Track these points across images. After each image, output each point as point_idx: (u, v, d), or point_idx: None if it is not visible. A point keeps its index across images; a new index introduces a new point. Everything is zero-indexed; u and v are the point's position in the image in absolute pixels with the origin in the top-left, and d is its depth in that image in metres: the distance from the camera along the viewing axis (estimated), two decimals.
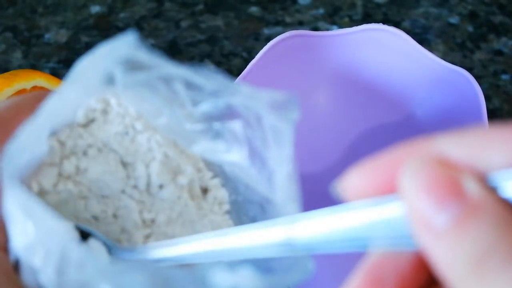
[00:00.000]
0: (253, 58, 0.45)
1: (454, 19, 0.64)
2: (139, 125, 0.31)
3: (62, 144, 0.31)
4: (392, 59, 0.47)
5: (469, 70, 0.44)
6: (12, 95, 0.49)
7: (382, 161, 0.19)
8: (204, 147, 0.31)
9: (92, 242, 0.29)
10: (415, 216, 0.17)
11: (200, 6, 0.64)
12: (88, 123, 0.31)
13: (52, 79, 0.51)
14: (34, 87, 0.50)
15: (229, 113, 0.31)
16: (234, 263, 0.27)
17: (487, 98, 0.56)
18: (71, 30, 0.62)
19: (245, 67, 0.44)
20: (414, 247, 0.18)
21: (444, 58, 0.45)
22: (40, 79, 0.51)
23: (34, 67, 0.60)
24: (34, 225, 0.26)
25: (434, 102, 0.46)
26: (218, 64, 0.60)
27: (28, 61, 0.60)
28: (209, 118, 0.31)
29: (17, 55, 0.61)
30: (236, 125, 0.31)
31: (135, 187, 0.31)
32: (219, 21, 0.63)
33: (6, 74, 0.51)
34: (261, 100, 0.30)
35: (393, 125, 0.49)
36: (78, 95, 0.29)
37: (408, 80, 0.47)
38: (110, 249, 0.29)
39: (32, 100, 0.29)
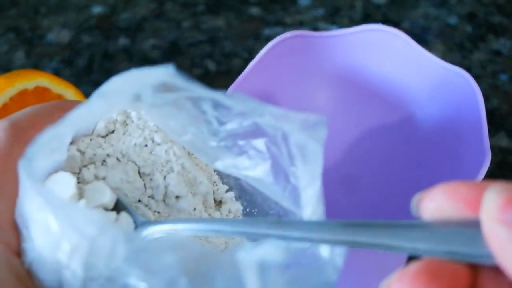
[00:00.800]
0: (253, 58, 0.45)
1: (453, 20, 0.64)
2: (158, 138, 0.32)
3: (82, 153, 0.31)
4: (392, 59, 0.47)
5: (468, 70, 0.44)
6: (14, 95, 0.50)
7: (464, 186, 0.23)
8: (227, 164, 0.32)
9: (122, 215, 0.30)
10: (496, 219, 0.20)
11: (201, 7, 0.65)
12: (108, 134, 0.32)
13: (54, 79, 0.51)
14: (37, 87, 0.50)
15: (255, 131, 0.31)
16: (259, 240, 0.28)
17: (486, 98, 0.56)
18: (73, 30, 0.63)
19: (246, 67, 0.44)
20: (474, 259, 0.22)
21: (443, 58, 0.46)
22: (42, 79, 0.51)
23: (36, 67, 0.60)
24: (57, 221, 0.26)
25: (433, 102, 0.46)
26: (219, 64, 0.61)
27: (30, 61, 0.61)
28: (234, 136, 0.32)
29: (20, 55, 0.61)
30: (260, 142, 0.32)
31: (152, 197, 0.32)
32: (220, 22, 0.64)
33: (8, 74, 0.51)
34: (290, 121, 0.30)
35: (393, 125, 0.49)
36: (104, 110, 0.29)
37: (407, 80, 0.47)
38: (137, 225, 0.30)
39: (52, 110, 0.30)
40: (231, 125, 0.32)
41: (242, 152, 0.32)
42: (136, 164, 0.32)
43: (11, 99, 0.49)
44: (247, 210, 0.34)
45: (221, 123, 0.32)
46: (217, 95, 0.30)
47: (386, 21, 0.63)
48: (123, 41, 0.62)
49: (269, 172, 0.31)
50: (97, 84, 0.60)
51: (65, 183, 0.29)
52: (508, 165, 0.55)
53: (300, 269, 0.28)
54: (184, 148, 0.33)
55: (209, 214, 0.33)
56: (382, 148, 0.50)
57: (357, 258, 0.50)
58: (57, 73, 0.59)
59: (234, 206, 0.34)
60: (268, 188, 0.31)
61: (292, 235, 0.26)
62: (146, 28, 0.63)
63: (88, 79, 0.60)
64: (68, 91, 0.51)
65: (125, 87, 0.29)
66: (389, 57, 0.47)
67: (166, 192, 0.32)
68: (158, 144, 0.32)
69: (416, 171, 0.48)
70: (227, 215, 0.34)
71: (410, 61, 0.46)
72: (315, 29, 0.62)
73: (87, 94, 0.54)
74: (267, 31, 0.63)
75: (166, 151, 0.32)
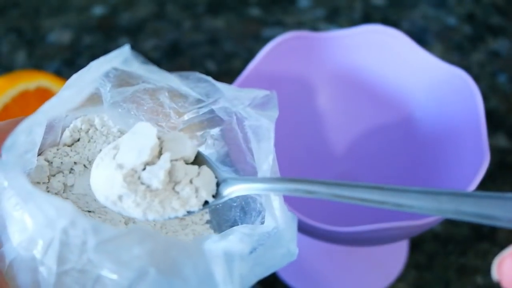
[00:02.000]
0: (253, 58, 0.45)
1: (452, 21, 0.64)
2: None
3: (49, 163, 0.32)
4: (391, 60, 0.47)
5: (467, 70, 0.44)
6: (16, 95, 0.50)
7: None
8: None
9: (203, 169, 0.30)
10: None
11: (201, 8, 0.65)
12: (73, 142, 0.33)
13: (55, 79, 0.51)
14: (38, 88, 0.50)
15: (211, 119, 0.33)
16: (225, 233, 0.29)
17: (485, 98, 0.56)
18: (74, 31, 0.63)
19: (246, 68, 0.45)
20: None
21: (442, 58, 0.46)
22: (43, 80, 0.51)
23: (37, 67, 0.60)
24: (32, 217, 0.26)
25: (432, 102, 0.47)
26: (219, 64, 0.61)
27: (31, 62, 0.61)
28: (192, 126, 0.33)
29: (21, 55, 0.61)
30: (216, 131, 0.33)
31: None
32: (219, 22, 0.64)
33: (9, 74, 0.52)
34: (242, 101, 0.31)
35: (392, 124, 0.49)
36: (71, 98, 0.30)
37: (406, 80, 0.47)
38: (219, 182, 0.30)
39: (12, 126, 0.30)
40: (188, 116, 0.33)
41: (200, 142, 0.34)
42: None
43: (13, 99, 0.49)
44: (212, 206, 0.34)
45: (179, 114, 0.33)
46: (172, 81, 0.31)
47: (385, 21, 0.63)
48: (123, 41, 0.62)
49: (227, 158, 0.33)
50: None
51: (146, 133, 0.29)
52: (507, 165, 0.56)
53: (262, 249, 0.29)
54: None
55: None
56: (380, 148, 0.50)
57: (358, 258, 0.51)
58: (58, 73, 0.59)
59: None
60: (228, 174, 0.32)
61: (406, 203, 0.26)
62: (147, 29, 0.63)
63: None
64: None
65: (86, 75, 0.30)
66: (388, 57, 0.47)
67: None
68: None
69: (415, 171, 0.48)
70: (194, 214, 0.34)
71: (409, 61, 0.47)
72: (315, 29, 0.63)
73: None
74: (267, 32, 0.63)
75: None
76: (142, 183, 0.28)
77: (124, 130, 0.33)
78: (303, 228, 0.39)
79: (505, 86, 0.60)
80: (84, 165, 0.33)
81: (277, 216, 0.30)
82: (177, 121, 0.33)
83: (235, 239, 0.28)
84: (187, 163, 0.30)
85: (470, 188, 0.39)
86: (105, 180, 0.28)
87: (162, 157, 0.29)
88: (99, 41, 0.62)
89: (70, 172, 0.32)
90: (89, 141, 0.33)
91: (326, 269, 0.50)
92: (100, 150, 0.33)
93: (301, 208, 0.40)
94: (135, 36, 0.63)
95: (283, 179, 0.29)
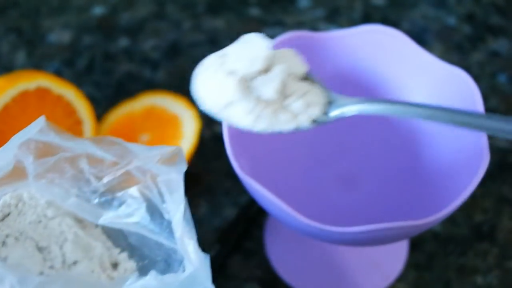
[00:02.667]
0: None
1: (452, 20, 0.64)
2: (50, 212, 0.35)
3: None
4: (391, 60, 0.47)
5: (467, 70, 0.44)
6: (16, 95, 0.50)
7: None
8: (110, 217, 0.35)
9: (313, 86, 0.31)
10: None
11: (201, 8, 0.65)
12: (4, 217, 0.35)
13: (55, 79, 0.51)
14: (38, 88, 0.50)
15: (128, 179, 0.35)
16: (144, 271, 0.31)
17: (485, 98, 0.56)
18: (74, 31, 0.63)
19: None
20: None
21: (442, 58, 0.46)
22: (43, 80, 0.51)
23: (37, 67, 0.60)
24: None
25: (432, 102, 0.47)
26: None
27: (31, 62, 0.61)
28: (112, 188, 0.35)
29: (21, 55, 0.61)
30: (134, 190, 0.35)
31: (52, 267, 0.34)
32: (219, 22, 0.64)
33: (9, 74, 0.52)
34: (153, 159, 0.34)
35: (391, 124, 0.49)
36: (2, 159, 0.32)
37: (406, 80, 0.47)
38: (329, 99, 0.31)
39: None
40: (107, 178, 0.35)
41: (121, 202, 0.35)
42: (33, 240, 0.34)
43: (13, 99, 0.49)
44: (139, 264, 0.36)
45: (98, 178, 0.35)
46: (88, 146, 0.33)
47: (385, 21, 0.63)
48: (123, 41, 0.62)
49: (146, 214, 0.35)
50: (97, 84, 0.61)
51: (257, 44, 0.30)
52: (507, 165, 0.56)
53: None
54: (76, 219, 0.35)
55: (108, 275, 0.35)
56: (380, 148, 0.50)
57: (358, 258, 0.51)
58: (58, 73, 0.59)
59: (128, 265, 0.36)
60: (148, 230, 0.34)
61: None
62: (147, 29, 0.63)
63: (89, 80, 0.60)
64: (69, 92, 0.52)
65: (7, 146, 0.33)
66: (388, 57, 0.47)
67: (64, 260, 0.34)
68: (51, 218, 0.35)
69: (414, 171, 0.48)
70: (124, 274, 0.36)
71: (409, 61, 0.46)
72: (315, 29, 0.63)
73: (88, 94, 0.54)
74: (267, 32, 0.63)
75: (59, 224, 0.35)
76: (253, 93, 0.28)
77: (52, 201, 0.35)
78: (303, 229, 0.39)
79: (505, 86, 0.60)
80: (15, 237, 0.34)
81: (192, 258, 0.31)
82: (98, 185, 0.35)
83: (152, 278, 0.30)
84: (299, 80, 0.30)
85: (469, 189, 0.39)
86: (214, 86, 0.29)
87: (276, 67, 0.29)
88: (99, 41, 0.62)
89: (2, 246, 0.34)
90: (18, 214, 0.35)
91: (326, 269, 0.50)
92: (30, 222, 0.35)
93: (301, 208, 0.40)
94: (135, 36, 0.63)
95: (396, 102, 0.29)
